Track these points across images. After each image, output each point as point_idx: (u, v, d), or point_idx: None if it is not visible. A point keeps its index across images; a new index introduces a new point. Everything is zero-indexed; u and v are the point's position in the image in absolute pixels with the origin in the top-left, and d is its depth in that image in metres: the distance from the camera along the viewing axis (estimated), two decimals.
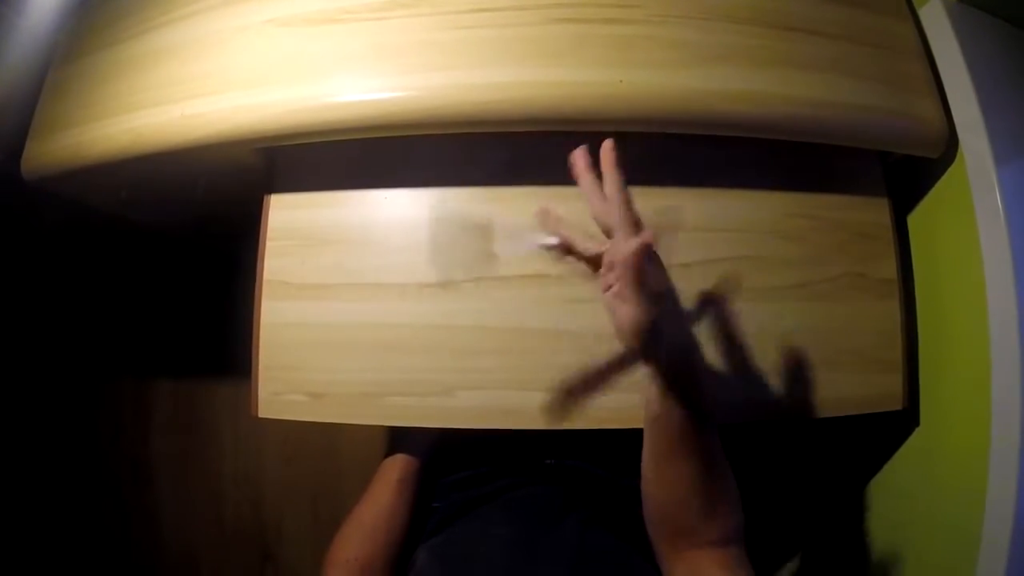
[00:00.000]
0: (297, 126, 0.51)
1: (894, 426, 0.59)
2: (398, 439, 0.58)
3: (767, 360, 0.53)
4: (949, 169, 0.54)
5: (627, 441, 0.53)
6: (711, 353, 0.53)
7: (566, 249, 0.42)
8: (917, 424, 0.57)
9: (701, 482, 0.41)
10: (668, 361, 0.40)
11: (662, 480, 0.42)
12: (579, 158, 0.40)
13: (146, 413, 1.09)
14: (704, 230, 0.55)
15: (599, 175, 0.39)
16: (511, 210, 0.54)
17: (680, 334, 0.44)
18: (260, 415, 0.53)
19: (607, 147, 0.39)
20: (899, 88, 0.53)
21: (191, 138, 0.52)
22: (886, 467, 0.61)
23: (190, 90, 0.54)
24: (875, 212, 0.56)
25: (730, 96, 0.49)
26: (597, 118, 0.49)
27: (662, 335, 0.39)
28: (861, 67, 0.53)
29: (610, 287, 0.38)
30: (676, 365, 0.40)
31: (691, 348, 0.47)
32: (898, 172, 0.58)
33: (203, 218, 0.83)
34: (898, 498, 0.59)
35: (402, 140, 0.52)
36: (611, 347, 0.52)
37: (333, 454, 1.04)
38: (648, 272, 0.37)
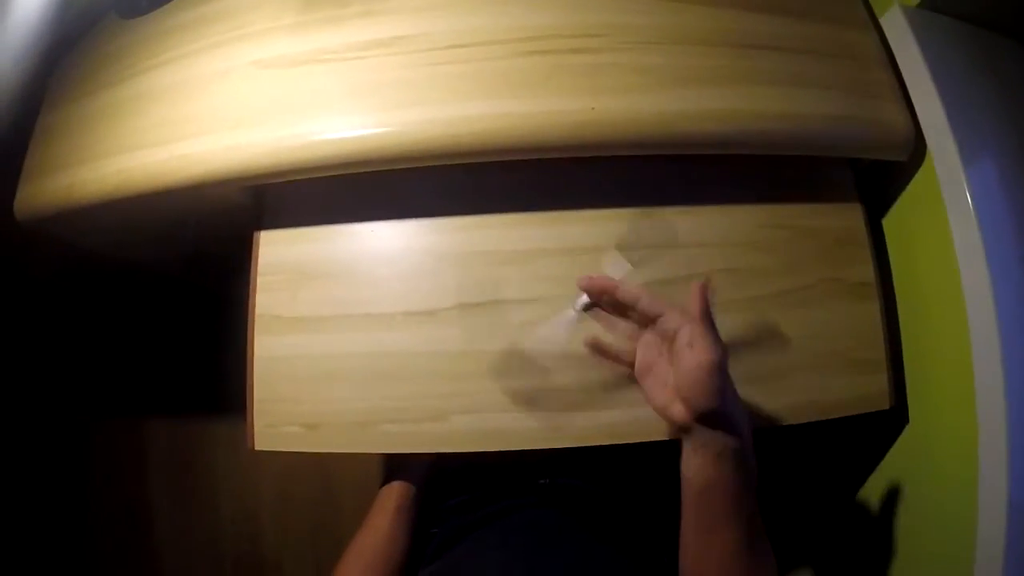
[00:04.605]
0: (282, 164, 0.52)
1: (885, 425, 0.59)
2: (394, 467, 0.58)
3: (751, 369, 0.53)
4: (919, 171, 0.55)
5: (619, 456, 0.54)
6: None
7: (603, 304, 0.44)
8: (907, 421, 0.57)
9: (746, 551, 0.39)
10: (732, 412, 0.38)
11: (706, 553, 0.40)
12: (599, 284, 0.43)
13: (142, 453, 1.09)
14: (682, 246, 0.56)
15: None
16: (493, 237, 0.55)
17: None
18: (256, 448, 0.54)
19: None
20: (864, 96, 0.54)
21: (180, 178, 0.53)
22: (880, 466, 0.61)
23: (178, 132, 0.55)
24: (848, 218, 0.58)
25: (698, 116, 0.51)
26: (571, 145, 0.51)
27: (728, 378, 0.38)
28: (825, 78, 0.54)
29: (671, 338, 0.39)
30: (737, 417, 0.38)
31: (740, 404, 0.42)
32: (870, 176, 0.60)
33: (194, 256, 0.84)
34: (893, 495, 0.59)
35: (385, 174, 0.53)
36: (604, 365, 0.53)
37: (330, 488, 1.04)
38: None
